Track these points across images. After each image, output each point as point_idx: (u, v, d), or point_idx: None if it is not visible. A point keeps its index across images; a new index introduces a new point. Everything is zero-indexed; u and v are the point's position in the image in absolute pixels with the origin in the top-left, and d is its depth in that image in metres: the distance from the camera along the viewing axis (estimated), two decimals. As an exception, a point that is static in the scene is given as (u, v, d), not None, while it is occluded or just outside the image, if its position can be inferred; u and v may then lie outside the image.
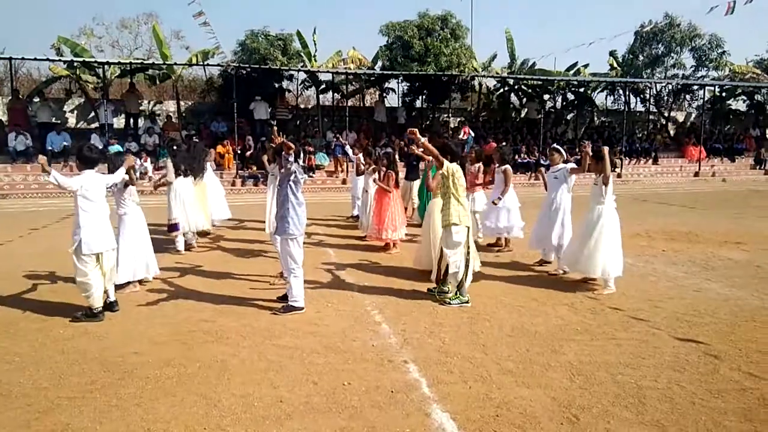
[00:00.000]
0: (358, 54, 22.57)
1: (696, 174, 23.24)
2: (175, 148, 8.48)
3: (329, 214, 12.05)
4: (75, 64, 19.31)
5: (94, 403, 3.62)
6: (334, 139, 20.05)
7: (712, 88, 26.41)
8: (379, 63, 21.93)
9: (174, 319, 5.27)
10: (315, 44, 21.73)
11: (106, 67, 18.42)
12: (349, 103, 22.11)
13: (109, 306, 5.48)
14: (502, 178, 8.17)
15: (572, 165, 7.28)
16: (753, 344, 4.59)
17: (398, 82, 24.14)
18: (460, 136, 19.37)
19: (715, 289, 6.31)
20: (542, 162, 21.23)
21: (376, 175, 8.51)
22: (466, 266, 5.73)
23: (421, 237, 7.13)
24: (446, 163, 5.74)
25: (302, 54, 21.02)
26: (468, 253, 5.75)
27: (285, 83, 22.41)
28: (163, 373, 4.04)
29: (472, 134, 19.34)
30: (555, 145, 7.62)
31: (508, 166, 8.23)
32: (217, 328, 4.98)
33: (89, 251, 5.22)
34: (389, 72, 20.85)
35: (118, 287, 5.88)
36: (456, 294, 5.77)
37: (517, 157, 20.66)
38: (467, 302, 5.71)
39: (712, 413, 3.46)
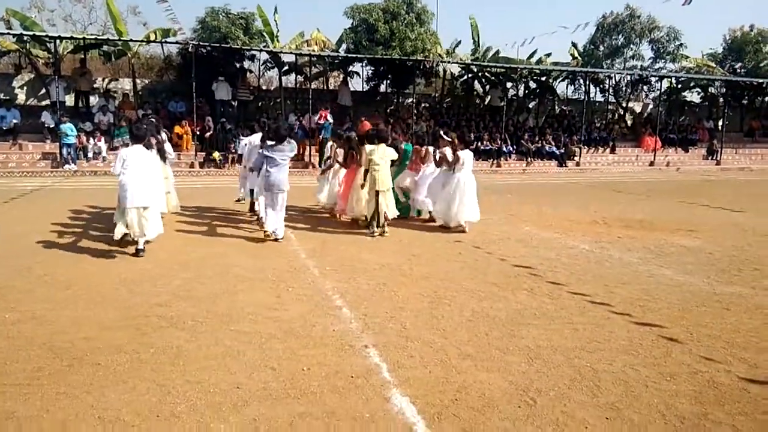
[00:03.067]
0: (322, 36, 22.26)
1: (651, 163, 23.87)
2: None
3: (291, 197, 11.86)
4: (25, 38, 18.44)
5: (42, 391, 3.47)
6: (297, 122, 19.83)
7: (669, 79, 27.09)
8: (344, 46, 21.69)
9: (127, 303, 5.11)
10: (276, 24, 21.32)
11: (58, 42, 17.65)
12: (313, 85, 21.83)
13: (135, 252, 6.78)
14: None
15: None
16: (704, 328, 4.73)
17: (362, 66, 23.96)
18: (317, 119, 19.24)
19: (668, 275, 6.48)
20: (504, 149, 21.53)
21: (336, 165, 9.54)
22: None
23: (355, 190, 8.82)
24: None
25: (264, 34, 20.59)
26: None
27: (247, 63, 21.98)
28: (115, 360, 3.90)
29: (330, 120, 19.17)
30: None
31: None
32: (172, 313, 4.85)
33: (121, 205, 6.72)
34: (353, 55, 20.64)
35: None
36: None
37: (479, 143, 20.82)
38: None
39: (664, 396, 3.55)
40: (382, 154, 8.25)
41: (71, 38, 19.40)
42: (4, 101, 17.68)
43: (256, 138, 8.94)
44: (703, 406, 3.42)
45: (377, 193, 8.19)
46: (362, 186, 8.40)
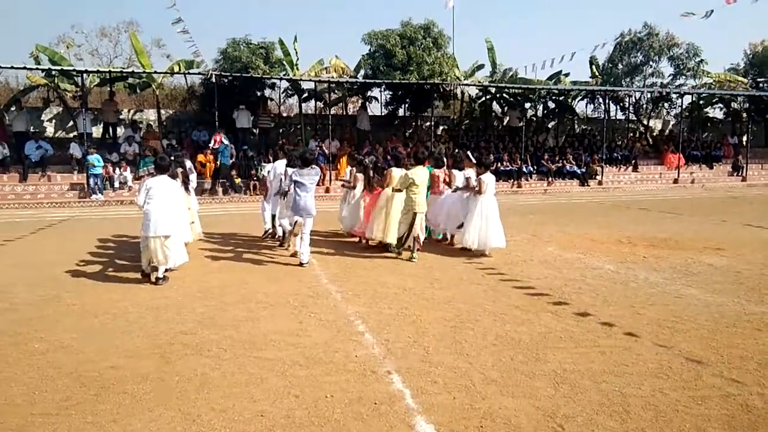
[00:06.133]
0: (341, 62, 22.59)
1: (675, 181, 23.56)
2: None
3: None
4: (53, 72, 19.06)
5: (69, 420, 3.52)
6: (317, 148, 20.04)
7: (690, 96, 26.84)
8: (362, 71, 21.95)
9: (153, 331, 5.17)
10: (296, 52, 21.71)
11: (84, 75, 18.19)
12: (332, 111, 22.08)
13: (155, 281, 6.87)
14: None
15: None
16: (734, 350, 4.62)
17: (381, 91, 24.20)
18: (212, 145, 18.04)
19: (696, 295, 6.35)
20: (524, 169, 21.45)
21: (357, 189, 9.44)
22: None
23: (378, 214, 8.61)
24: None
25: (284, 62, 20.97)
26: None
27: (267, 92, 22.36)
28: (141, 388, 3.94)
29: (226, 142, 18.18)
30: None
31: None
32: (197, 341, 4.89)
33: (144, 234, 6.84)
34: (371, 81, 20.88)
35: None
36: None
37: (499, 164, 20.79)
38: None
39: (695, 420, 3.46)
40: (421, 177, 8.34)
41: (98, 72, 19.97)
42: (32, 134, 18.18)
43: (280, 164, 9.10)
44: (736, 431, 3.32)
45: (414, 214, 8.25)
46: (392, 205, 8.36)
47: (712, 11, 18.78)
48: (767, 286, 6.74)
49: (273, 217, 9.54)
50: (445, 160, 10.16)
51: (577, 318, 5.51)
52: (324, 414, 3.57)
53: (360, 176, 9.40)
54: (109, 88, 20.72)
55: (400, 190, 8.39)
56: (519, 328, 5.21)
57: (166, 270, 7.09)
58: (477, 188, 8.52)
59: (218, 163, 17.99)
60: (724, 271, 7.56)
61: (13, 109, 19.24)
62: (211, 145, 18.18)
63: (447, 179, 9.46)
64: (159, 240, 6.80)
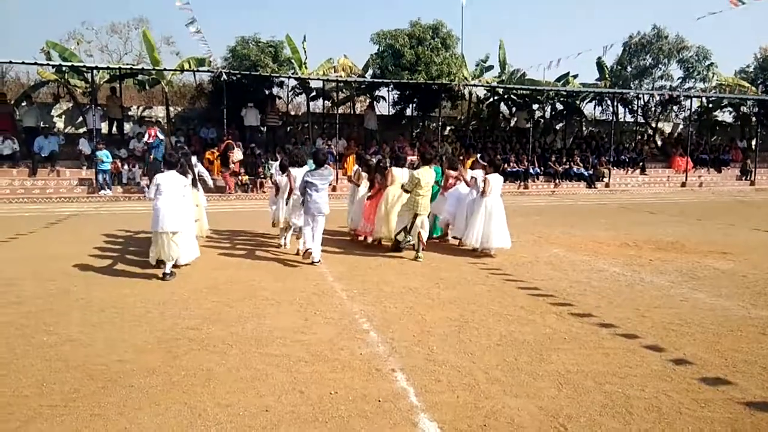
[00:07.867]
0: (349, 62, 22.61)
1: (683, 184, 23.46)
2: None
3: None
4: (63, 68, 19.17)
5: (77, 412, 3.56)
6: (323, 146, 20.08)
7: (700, 99, 26.69)
8: (370, 71, 21.97)
9: (159, 326, 5.21)
10: (305, 51, 21.76)
11: (94, 71, 18.30)
12: (340, 110, 22.12)
13: (162, 276, 6.90)
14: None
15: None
16: (738, 354, 4.62)
17: (389, 90, 24.21)
18: (146, 139, 17.33)
19: (702, 298, 6.34)
20: (531, 171, 21.42)
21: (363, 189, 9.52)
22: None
23: (383, 214, 8.72)
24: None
25: (293, 61, 21.02)
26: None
27: (275, 90, 22.40)
28: (147, 382, 3.98)
29: (161, 137, 17.62)
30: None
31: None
32: (203, 336, 4.93)
33: (153, 229, 6.95)
34: (379, 80, 20.89)
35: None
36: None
37: (506, 165, 20.77)
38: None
39: (698, 423, 3.46)
40: (429, 178, 8.32)
41: (107, 68, 20.09)
42: (42, 129, 18.31)
43: (277, 165, 9.19)
44: (740, 435, 3.33)
45: (415, 215, 8.24)
46: (396, 199, 8.49)
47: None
48: (773, 290, 6.72)
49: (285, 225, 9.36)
50: (455, 161, 10.34)
51: (581, 319, 5.52)
52: (328, 410, 3.60)
53: (364, 175, 9.46)
54: (117, 85, 20.83)
55: (405, 190, 8.33)
56: (523, 329, 5.22)
57: (175, 266, 7.14)
58: (483, 188, 8.53)
59: (151, 158, 16.95)
60: (730, 275, 7.54)
61: (23, 104, 19.36)
62: (145, 139, 17.52)
63: (461, 178, 9.54)
64: (167, 235, 6.86)
